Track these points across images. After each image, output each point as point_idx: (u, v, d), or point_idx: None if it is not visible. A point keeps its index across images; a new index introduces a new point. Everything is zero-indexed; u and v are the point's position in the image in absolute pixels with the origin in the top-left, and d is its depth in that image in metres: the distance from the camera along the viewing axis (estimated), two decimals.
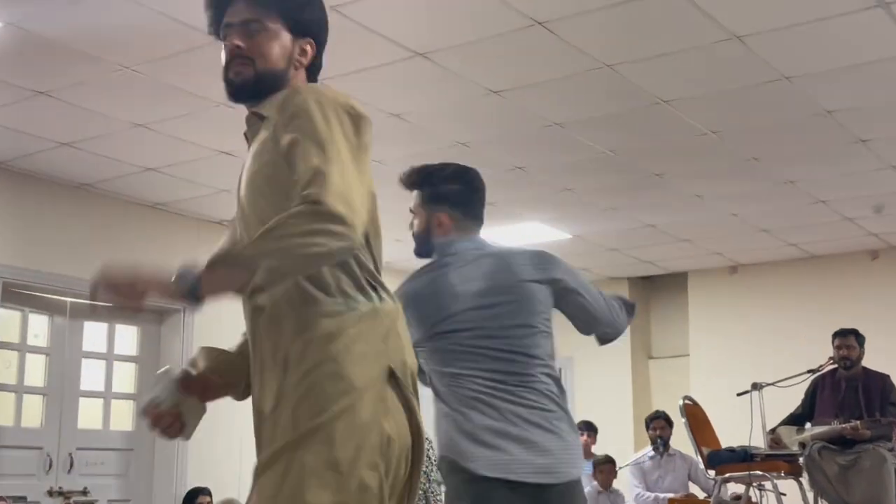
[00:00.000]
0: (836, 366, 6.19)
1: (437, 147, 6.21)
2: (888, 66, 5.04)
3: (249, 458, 2.09)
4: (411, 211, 3.19)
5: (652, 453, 7.48)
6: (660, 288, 10.46)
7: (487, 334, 2.98)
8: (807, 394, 6.30)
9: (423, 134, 6.04)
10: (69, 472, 6.93)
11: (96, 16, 4.80)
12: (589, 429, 8.12)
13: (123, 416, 7.50)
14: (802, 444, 5.68)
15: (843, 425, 5.69)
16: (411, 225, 3.20)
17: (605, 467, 7.31)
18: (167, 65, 5.08)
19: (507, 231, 8.58)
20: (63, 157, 6.73)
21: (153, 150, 6.32)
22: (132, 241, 7.31)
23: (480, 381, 2.94)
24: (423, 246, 3.18)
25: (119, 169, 6.71)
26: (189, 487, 6.66)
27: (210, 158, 6.33)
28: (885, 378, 6.12)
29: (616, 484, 7.39)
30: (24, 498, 6.56)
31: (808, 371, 6.26)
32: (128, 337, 7.82)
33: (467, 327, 2.98)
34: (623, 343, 10.09)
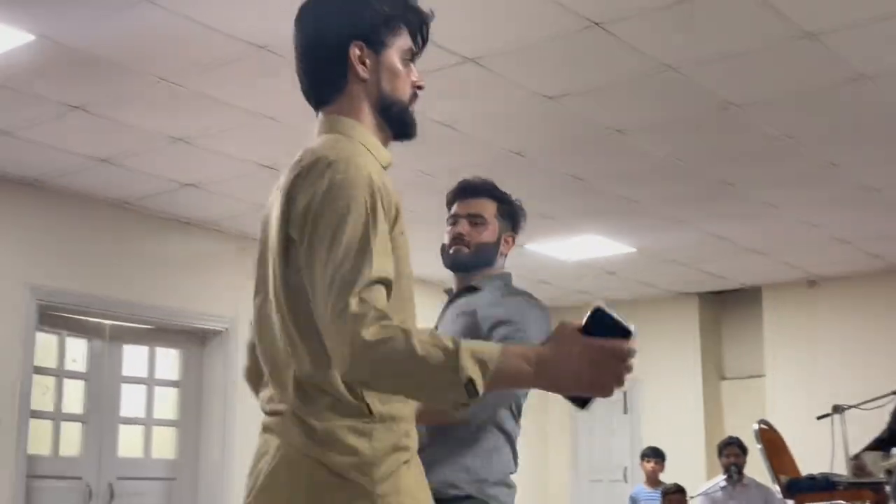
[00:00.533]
0: None
1: (489, 157, 6.24)
2: None
3: None
4: (475, 218, 3.14)
5: (724, 483, 7.44)
6: (732, 304, 10.43)
7: None
8: (893, 416, 6.13)
9: (474, 143, 6.09)
10: (110, 503, 7.05)
11: (132, 27, 4.91)
12: (657, 455, 8.16)
13: (165, 444, 7.64)
14: (889, 471, 5.54)
15: None
16: (468, 233, 3.14)
17: (675, 497, 7.34)
18: (207, 76, 5.17)
19: (567, 245, 8.69)
20: (100, 174, 6.85)
21: (192, 165, 6.44)
22: (173, 260, 7.44)
23: None
24: (486, 255, 3.16)
25: (158, 185, 6.84)
26: None
27: (252, 174, 6.42)
28: None
29: None
30: None
31: (894, 392, 6.16)
32: (169, 361, 7.95)
33: None
34: (694, 362, 10.18)
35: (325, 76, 2.00)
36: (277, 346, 1.90)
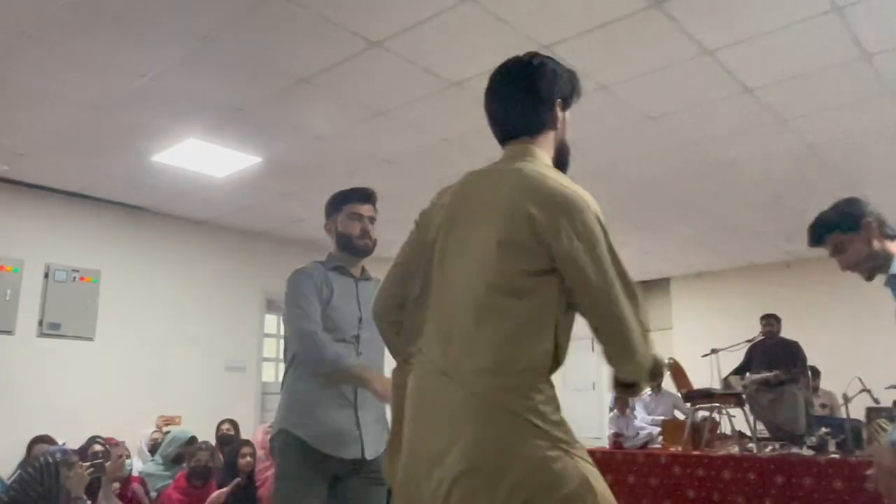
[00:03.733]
0: (763, 337, 6.18)
1: None
2: None
3: None
4: (372, 220, 2.63)
5: (650, 392, 7.35)
6: (654, 288, 9.94)
7: None
8: (746, 355, 6.23)
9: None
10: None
11: (316, 146, 4.96)
12: None
13: None
14: (744, 386, 5.34)
15: (771, 373, 5.39)
16: (371, 230, 2.63)
17: (621, 400, 6.94)
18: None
19: None
20: (301, 228, 6.87)
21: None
22: None
23: None
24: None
25: None
26: None
27: None
28: (795, 344, 6.03)
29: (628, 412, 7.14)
30: None
31: (747, 341, 6.16)
32: None
33: None
34: None
35: (532, 119, 1.59)
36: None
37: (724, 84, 3.94)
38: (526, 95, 1.58)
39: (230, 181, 5.49)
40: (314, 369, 2.37)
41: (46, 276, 5.71)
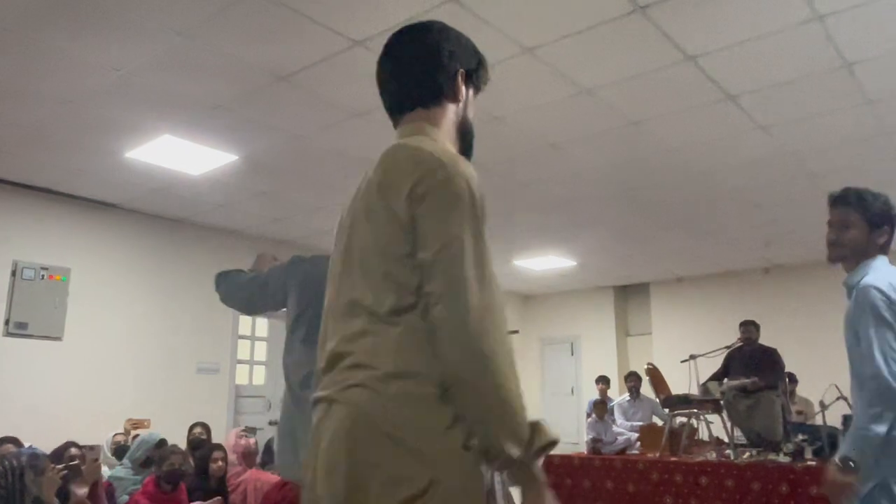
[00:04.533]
0: (741, 343, 6.12)
1: None
2: None
3: None
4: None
5: (629, 397, 7.37)
6: (633, 292, 10.08)
7: None
8: (724, 361, 6.17)
9: None
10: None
11: (295, 146, 4.95)
12: (604, 381, 7.99)
13: None
14: (722, 393, 5.43)
15: (749, 380, 5.47)
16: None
17: (600, 405, 7.01)
18: None
19: (536, 261, 8.43)
20: (274, 229, 6.95)
21: None
22: None
23: None
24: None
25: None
26: None
27: None
28: (773, 351, 6.00)
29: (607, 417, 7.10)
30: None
31: (725, 347, 6.16)
32: None
33: None
34: (611, 325, 10.20)
35: (429, 85, 1.42)
36: None
37: (706, 90, 3.98)
38: (422, 59, 1.42)
39: (206, 179, 5.44)
40: None
41: (14, 273, 5.61)
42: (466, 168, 1.28)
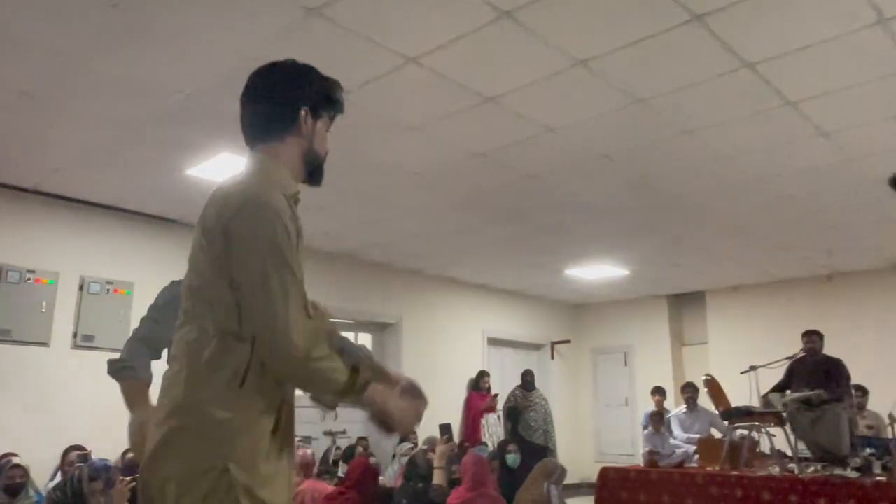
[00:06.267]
0: (805, 354, 6.04)
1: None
2: None
3: None
4: None
5: (685, 409, 7.31)
6: (688, 301, 9.99)
7: None
8: (786, 372, 6.12)
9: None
10: (335, 419, 6.90)
11: None
12: (660, 392, 7.92)
13: None
14: (784, 405, 5.38)
15: (813, 392, 5.38)
16: None
17: (656, 417, 7.12)
18: None
19: (590, 270, 8.46)
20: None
21: None
22: None
23: None
24: None
25: None
26: None
27: None
28: (839, 362, 5.90)
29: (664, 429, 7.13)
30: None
31: (787, 358, 6.10)
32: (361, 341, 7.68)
33: None
34: (665, 335, 10.08)
35: (269, 122, 1.59)
36: None
37: (765, 97, 3.94)
38: (265, 99, 1.61)
39: None
40: None
41: (81, 288, 5.86)
42: (273, 201, 1.42)
